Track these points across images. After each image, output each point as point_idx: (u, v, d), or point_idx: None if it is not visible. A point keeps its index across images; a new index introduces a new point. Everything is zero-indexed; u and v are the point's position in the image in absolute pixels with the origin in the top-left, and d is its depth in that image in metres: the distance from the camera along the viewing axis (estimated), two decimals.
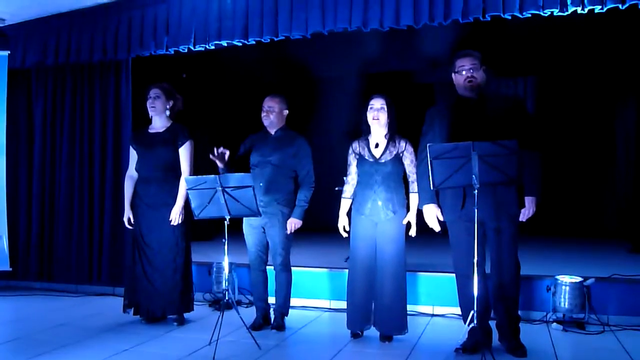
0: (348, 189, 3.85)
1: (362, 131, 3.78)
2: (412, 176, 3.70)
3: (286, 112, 4.09)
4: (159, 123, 4.23)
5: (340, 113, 7.71)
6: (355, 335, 3.80)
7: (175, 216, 4.07)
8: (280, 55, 6.60)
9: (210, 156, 3.82)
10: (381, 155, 3.69)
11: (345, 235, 3.81)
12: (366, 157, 3.72)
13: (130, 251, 4.25)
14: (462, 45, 3.53)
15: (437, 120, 3.49)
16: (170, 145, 4.13)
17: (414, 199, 3.67)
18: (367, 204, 3.69)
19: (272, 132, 4.06)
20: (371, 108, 3.69)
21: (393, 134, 3.72)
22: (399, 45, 6.39)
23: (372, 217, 3.69)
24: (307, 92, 7.76)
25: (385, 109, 3.67)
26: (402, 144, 3.70)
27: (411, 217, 3.67)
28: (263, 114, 4.04)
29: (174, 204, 4.07)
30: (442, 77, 3.68)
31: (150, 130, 4.23)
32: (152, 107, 4.17)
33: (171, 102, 4.23)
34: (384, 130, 3.72)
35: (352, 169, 3.82)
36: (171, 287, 4.11)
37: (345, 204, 3.84)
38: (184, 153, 4.15)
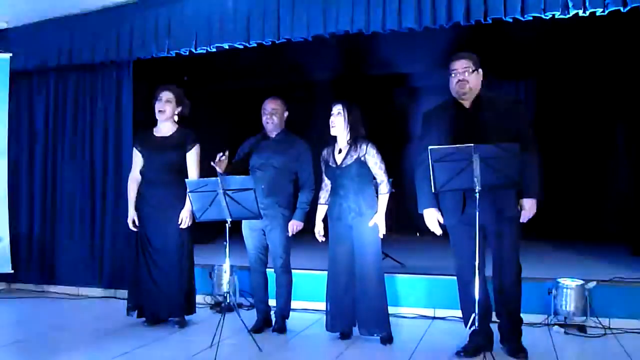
0: (323, 195, 3.93)
1: (330, 138, 3.82)
2: (379, 178, 3.73)
3: (286, 114, 4.09)
4: (165, 127, 4.21)
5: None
6: (344, 335, 3.81)
7: (185, 218, 4.08)
8: (279, 57, 6.58)
9: (212, 163, 3.79)
10: (342, 161, 3.73)
11: (322, 239, 3.87)
12: (330, 164, 3.79)
13: (134, 253, 4.22)
14: (462, 48, 3.52)
15: (433, 123, 3.48)
16: (180, 150, 4.13)
17: (382, 200, 3.72)
18: (335, 208, 3.77)
19: (273, 135, 4.05)
20: (331, 115, 3.73)
21: (355, 139, 3.72)
22: (398, 48, 6.38)
23: (342, 220, 3.74)
24: (301, 94, 7.70)
25: (342, 114, 3.70)
26: (364, 147, 3.70)
27: (379, 218, 3.70)
28: (266, 117, 4.00)
29: (181, 206, 4.07)
30: (442, 79, 3.66)
31: (157, 134, 4.21)
32: (161, 111, 4.14)
33: (180, 108, 4.22)
34: (345, 136, 3.74)
35: (325, 175, 3.89)
36: (177, 289, 4.11)
37: (320, 210, 3.93)
38: (192, 157, 4.15)
